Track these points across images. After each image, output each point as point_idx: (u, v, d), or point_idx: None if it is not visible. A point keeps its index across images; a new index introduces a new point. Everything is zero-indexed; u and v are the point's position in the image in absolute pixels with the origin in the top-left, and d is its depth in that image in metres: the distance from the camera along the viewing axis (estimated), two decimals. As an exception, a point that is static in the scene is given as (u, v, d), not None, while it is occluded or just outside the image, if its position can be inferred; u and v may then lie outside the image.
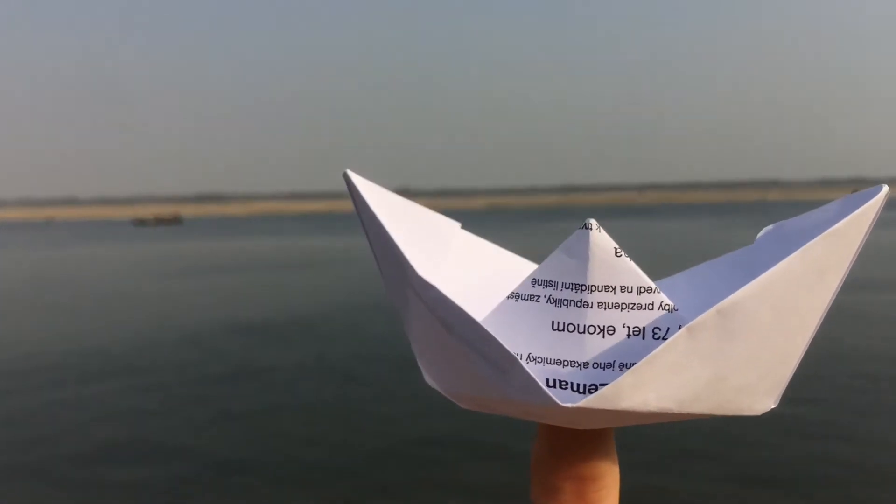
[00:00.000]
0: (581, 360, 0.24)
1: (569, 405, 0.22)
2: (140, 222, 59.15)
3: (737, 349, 0.23)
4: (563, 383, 0.24)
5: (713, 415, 0.24)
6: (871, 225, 0.24)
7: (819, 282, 0.23)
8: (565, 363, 0.25)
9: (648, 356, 0.22)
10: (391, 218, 0.26)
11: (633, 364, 0.23)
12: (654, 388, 0.22)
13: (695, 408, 0.23)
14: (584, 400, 0.22)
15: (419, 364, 0.27)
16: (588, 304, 0.25)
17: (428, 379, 0.27)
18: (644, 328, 0.25)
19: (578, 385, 0.24)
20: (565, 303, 0.25)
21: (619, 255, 0.25)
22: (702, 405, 0.23)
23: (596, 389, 0.23)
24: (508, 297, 0.26)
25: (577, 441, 0.26)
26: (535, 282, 0.26)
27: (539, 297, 0.26)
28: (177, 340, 7.02)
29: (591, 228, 0.25)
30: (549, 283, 0.25)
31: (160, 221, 59.89)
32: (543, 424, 0.26)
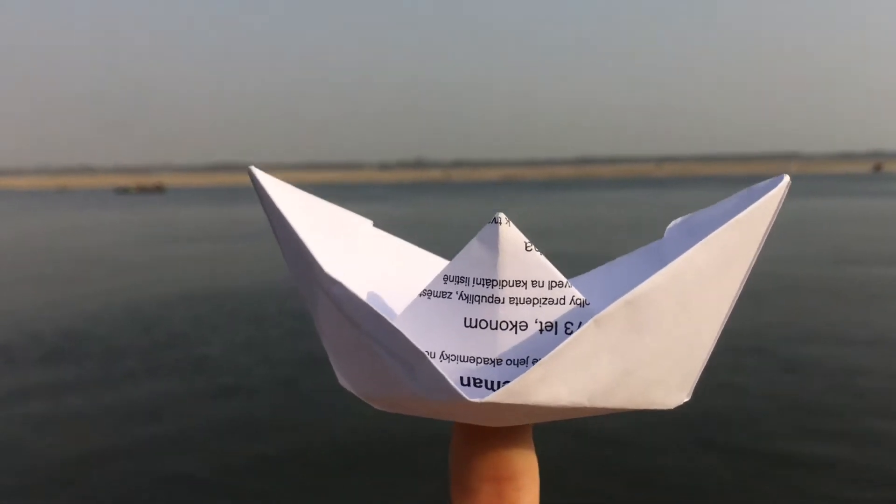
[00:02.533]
0: (494, 356, 0.25)
1: (477, 400, 0.22)
2: (122, 190, 60.98)
3: (645, 341, 0.23)
4: (477, 381, 0.24)
5: (626, 409, 0.24)
6: (775, 214, 0.24)
7: (725, 272, 0.24)
8: (478, 360, 0.25)
9: (556, 349, 0.22)
10: (298, 215, 0.26)
11: None
12: (564, 382, 0.22)
13: (607, 402, 0.23)
14: (493, 395, 0.22)
15: (333, 365, 0.27)
16: (500, 300, 0.25)
17: (341, 380, 0.27)
18: (556, 322, 0.25)
19: (492, 382, 0.24)
20: (477, 299, 0.25)
21: (529, 249, 0.25)
22: (614, 399, 0.23)
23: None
24: (421, 295, 0.26)
25: (492, 439, 0.26)
26: (446, 278, 0.26)
27: (451, 293, 0.25)
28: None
29: (500, 223, 0.25)
30: (460, 280, 0.25)
31: (142, 190, 61.50)
32: (459, 423, 0.26)
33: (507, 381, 0.23)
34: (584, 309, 0.25)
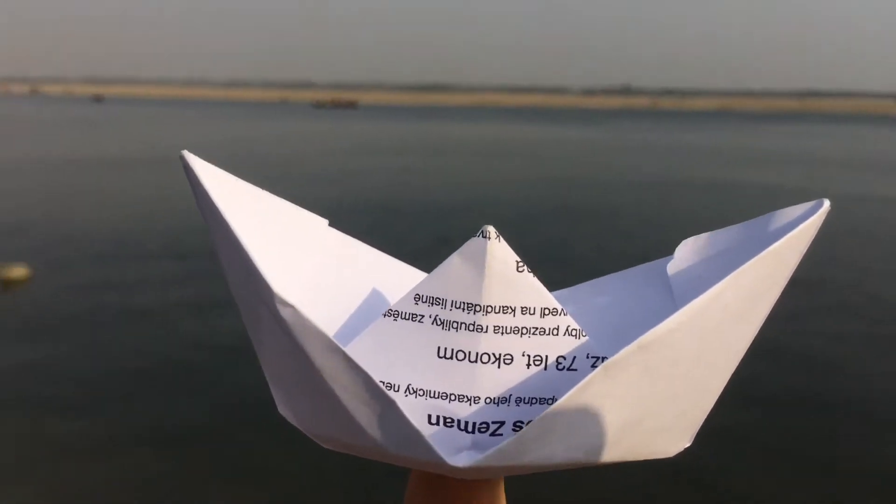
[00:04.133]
0: (471, 393, 0.21)
1: (461, 465, 0.19)
2: (318, 105, 69.51)
3: (657, 388, 0.20)
4: (449, 421, 0.21)
5: (623, 461, 0.21)
6: (808, 244, 0.21)
7: (751, 309, 0.21)
8: (451, 397, 0.21)
9: (558, 403, 0.19)
10: (240, 214, 0.22)
11: (535, 399, 0.21)
12: (561, 439, 0.19)
13: (605, 456, 0.20)
14: (481, 458, 0.19)
15: (272, 391, 0.24)
16: (482, 329, 0.22)
17: (282, 410, 0.23)
18: (546, 357, 0.22)
19: (467, 423, 0.21)
20: (455, 325, 0.22)
21: (520, 269, 0.22)
22: (612, 452, 0.20)
23: (487, 428, 0.21)
24: (385, 315, 0.22)
25: (461, 491, 0.22)
26: (418, 298, 0.22)
27: (423, 316, 0.22)
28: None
29: (489, 238, 0.21)
30: (435, 301, 0.22)
31: (336, 105, 68.84)
32: (419, 471, 0.23)
33: (485, 423, 0.21)
34: (581, 342, 0.22)
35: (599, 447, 0.20)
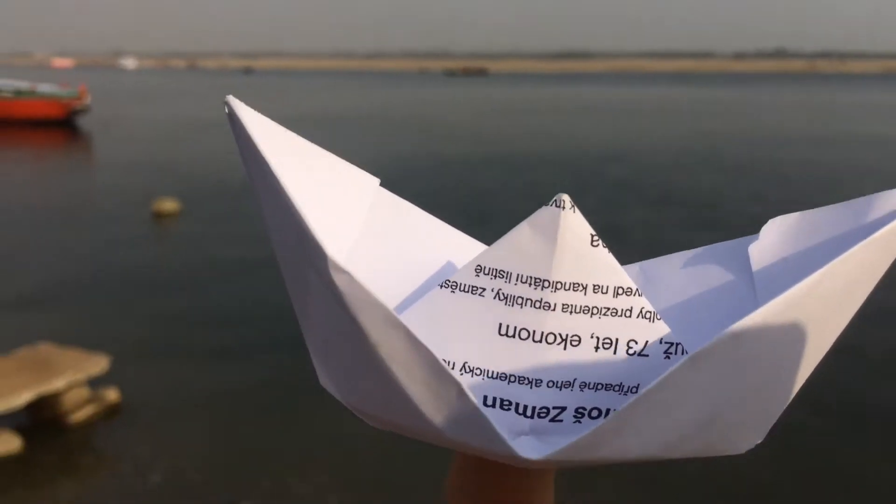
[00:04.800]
0: (533, 376, 0.20)
1: (534, 457, 0.17)
2: (450, 73, 73.71)
3: (742, 381, 0.18)
4: (506, 403, 0.20)
5: (695, 457, 0.20)
6: None
7: (847, 301, 0.19)
8: (512, 379, 0.20)
9: (639, 395, 0.17)
10: (290, 170, 0.20)
11: (601, 384, 0.20)
12: (638, 433, 0.18)
13: (677, 452, 0.19)
14: (554, 452, 0.17)
15: (314, 362, 0.22)
16: (549, 306, 0.20)
17: (325, 383, 0.22)
18: (616, 340, 0.20)
19: (526, 407, 0.20)
20: (519, 301, 0.20)
21: (595, 244, 0.20)
22: (687, 448, 0.19)
23: (546, 413, 0.20)
24: (442, 287, 0.21)
25: (514, 476, 0.21)
26: (479, 269, 0.20)
27: (484, 290, 0.20)
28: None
29: (563, 207, 0.19)
30: (499, 274, 0.20)
31: (467, 73, 73.13)
32: (469, 455, 0.21)
33: (545, 408, 0.20)
34: (654, 325, 0.20)
35: (676, 443, 0.18)
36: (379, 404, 0.19)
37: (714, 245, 0.24)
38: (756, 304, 0.20)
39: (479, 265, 0.21)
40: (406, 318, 0.20)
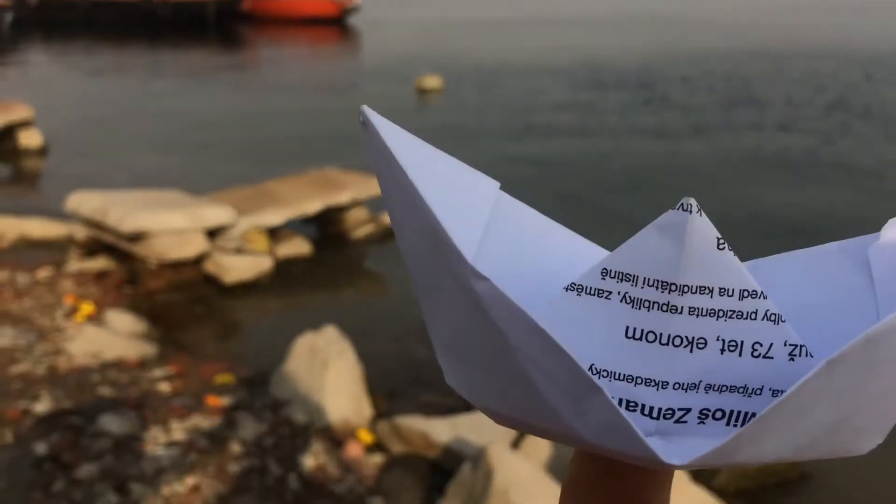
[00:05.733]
0: (660, 378, 0.21)
1: (677, 463, 0.18)
2: None
3: (874, 385, 0.19)
4: (632, 405, 0.21)
5: (821, 458, 0.20)
6: None
7: None
8: (639, 381, 0.21)
9: (779, 401, 0.18)
10: (423, 177, 0.21)
11: (726, 386, 0.21)
12: (774, 437, 0.18)
13: (807, 455, 0.20)
14: (698, 458, 0.18)
15: (441, 361, 0.23)
16: (677, 309, 0.20)
17: (452, 382, 0.22)
18: (741, 343, 0.21)
19: (652, 409, 0.21)
20: (646, 304, 0.21)
21: (721, 247, 0.20)
22: (817, 450, 0.20)
23: (672, 415, 0.21)
24: (568, 290, 0.22)
25: (640, 476, 0.22)
26: (605, 272, 0.21)
27: (611, 293, 0.21)
28: None
29: (690, 211, 0.20)
30: (625, 277, 0.21)
31: None
32: (594, 454, 0.22)
33: (670, 409, 0.21)
34: (778, 328, 0.21)
35: (808, 446, 0.19)
36: (514, 406, 0.20)
37: (830, 244, 0.24)
38: (877, 308, 0.21)
39: (605, 268, 0.21)
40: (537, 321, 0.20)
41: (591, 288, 0.21)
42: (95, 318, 3.29)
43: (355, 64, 12.86)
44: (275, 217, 4.15)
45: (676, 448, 0.19)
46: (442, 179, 0.22)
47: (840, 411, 0.19)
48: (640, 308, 0.21)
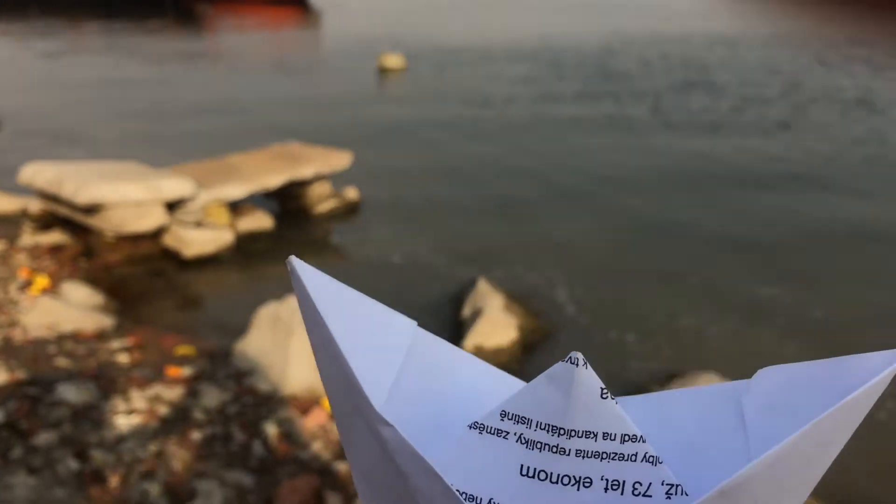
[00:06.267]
0: None
1: None
2: None
3: None
4: None
5: None
6: (882, 390, 0.22)
7: (823, 454, 0.22)
8: None
9: None
10: (341, 323, 0.23)
11: None
12: None
13: None
14: None
15: (356, 486, 0.25)
16: (565, 451, 0.22)
17: (365, 503, 0.24)
18: (623, 483, 0.22)
19: None
20: (539, 446, 0.23)
21: (604, 396, 0.22)
22: None
23: None
24: (471, 427, 0.23)
25: None
26: (504, 414, 0.23)
27: (508, 433, 0.23)
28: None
29: (577, 364, 0.22)
30: (521, 420, 0.23)
31: None
32: None
33: None
34: (657, 468, 0.23)
35: None
36: None
37: (712, 386, 0.26)
38: (748, 449, 0.23)
39: (503, 410, 0.23)
40: (439, 456, 0.22)
41: (491, 427, 0.23)
42: (51, 291, 3.21)
43: (317, 43, 12.71)
44: (236, 190, 4.09)
45: None
46: (361, 325, 0.24)
47: None
48: (533, 448, 0.23)
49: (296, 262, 0.24)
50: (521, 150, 5.73)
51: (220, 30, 14.06)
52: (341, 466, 2.17)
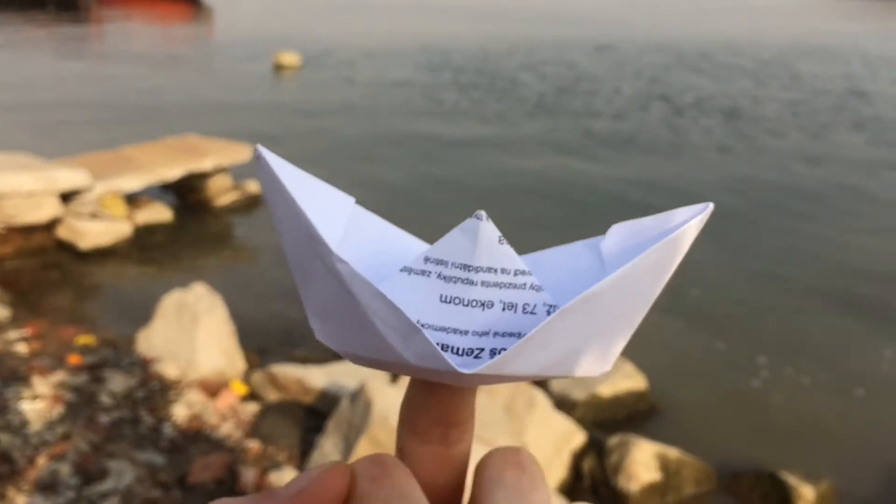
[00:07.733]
0: (463, 328, 0.28)
1: (467, 371, 0.26)
2: None
3: (592, 327, 0.28)
4: (445, 346, 0.28)
5: (563, 376, 0.29)
6: (696, 234, 0.29)
7: (656, 275, 0.28)
8: (449, 330, 0.28)
9: (527, 336, 0.26)
10: (301, 194, 0.28)
11: (506, 333, 0.29)
12: (527, 360, 0.27)
13: (552, 372, 0.28)
14: (480, 367, 0.26)
15: (311, 324, 0.30)
16: (473, 283, 0.29)
17: (320, 336, 0.30)
18: (516, 304, 0.29)
19: (460, 349, 0.28)
20: (453, 279, 0.29)
21: (501, 242, 0.29)
22: (557, 370, 0.28)
23: (472, 353, 0.28)
24: (401, 271, 0.29)
25: (448, 392, 0.30)
26: (427, 259, 0.29)
27: (430, 272, 0.29)
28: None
29: (481, 219, 0.29)
30: (439, 262, 0.29)
31: None
32: (420, 379, 0.31)
33: (470, 349, 0.28)
34: (539, 294, 0.29)
35: (550, 366, 0.28)
36: (365, 347, 0.28)
37: (578, 242, 0.34)
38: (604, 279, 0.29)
39: (427, 256, 0.29)
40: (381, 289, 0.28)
41: (417, 269, 0.29)
42: (-64, 284, 3.07)
43: (208, 39, 12.41)
44: (133, 182, 4.01)
45: (468, 366, 0.27)
46: (314, 195, 0.30)
47: (570, 344, 0.28)
48: (449, 282, 0.29)
49: (262, 150, 0.29)
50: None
51: (106, 22, 13.52)
52: (252, 445, 2.22)
